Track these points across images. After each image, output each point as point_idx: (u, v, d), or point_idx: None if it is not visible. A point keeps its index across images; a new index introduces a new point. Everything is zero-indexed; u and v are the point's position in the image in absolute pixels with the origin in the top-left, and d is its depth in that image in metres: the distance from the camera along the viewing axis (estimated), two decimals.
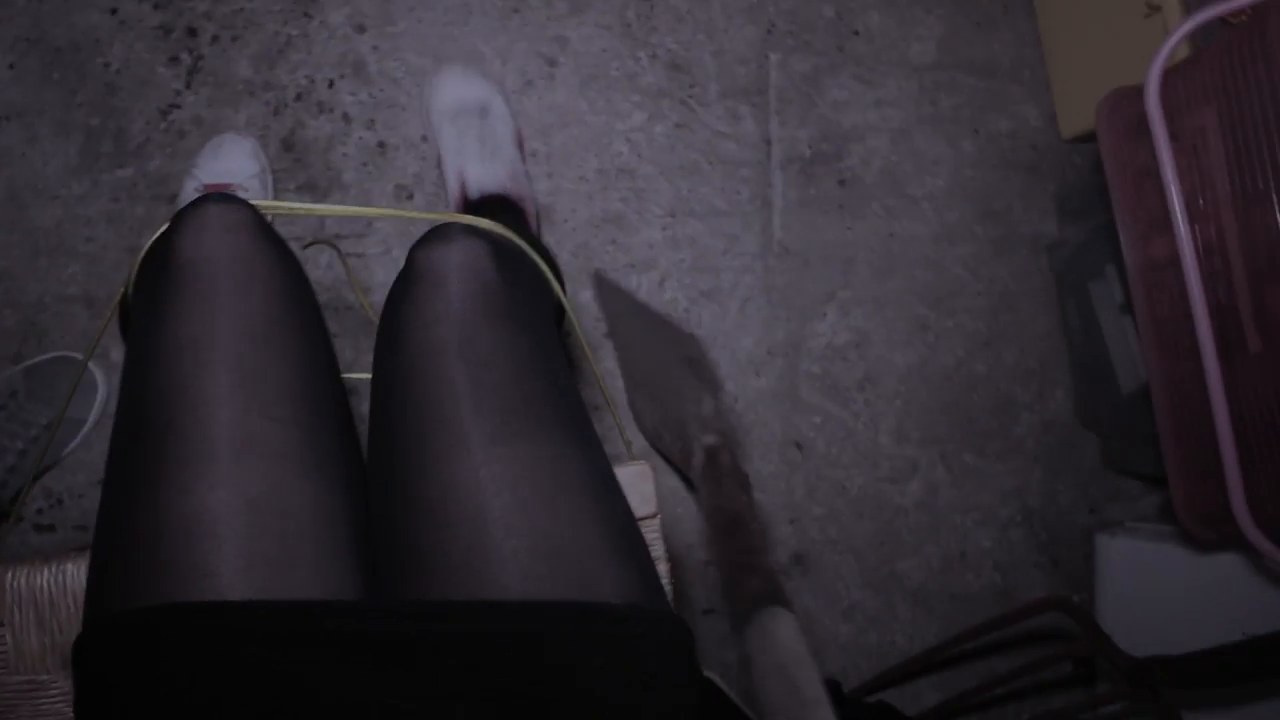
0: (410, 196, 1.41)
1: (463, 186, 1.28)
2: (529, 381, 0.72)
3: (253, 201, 0.74)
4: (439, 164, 1.36)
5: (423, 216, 0.82)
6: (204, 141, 1.33)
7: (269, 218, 0.80)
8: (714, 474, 0.84)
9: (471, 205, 1.27)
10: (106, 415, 1.32)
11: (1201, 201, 1.18)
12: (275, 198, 1.34)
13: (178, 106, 1.36)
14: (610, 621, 0.63)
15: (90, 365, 1.30)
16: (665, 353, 1.10)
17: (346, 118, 1.41)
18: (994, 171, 1.61)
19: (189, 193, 1.27)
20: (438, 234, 0.76)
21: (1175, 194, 1.16)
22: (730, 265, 1.50)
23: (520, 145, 1.39)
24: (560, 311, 0.91)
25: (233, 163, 1.28)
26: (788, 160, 1.53)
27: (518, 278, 0.78)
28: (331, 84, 1.41)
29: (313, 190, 1.38)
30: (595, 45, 1.48)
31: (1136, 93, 1.20)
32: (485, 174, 1.29)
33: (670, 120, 1.49)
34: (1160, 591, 1.44)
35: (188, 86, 1.37)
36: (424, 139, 1.41)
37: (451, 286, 0.73)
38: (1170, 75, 1.19)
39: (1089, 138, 1.60)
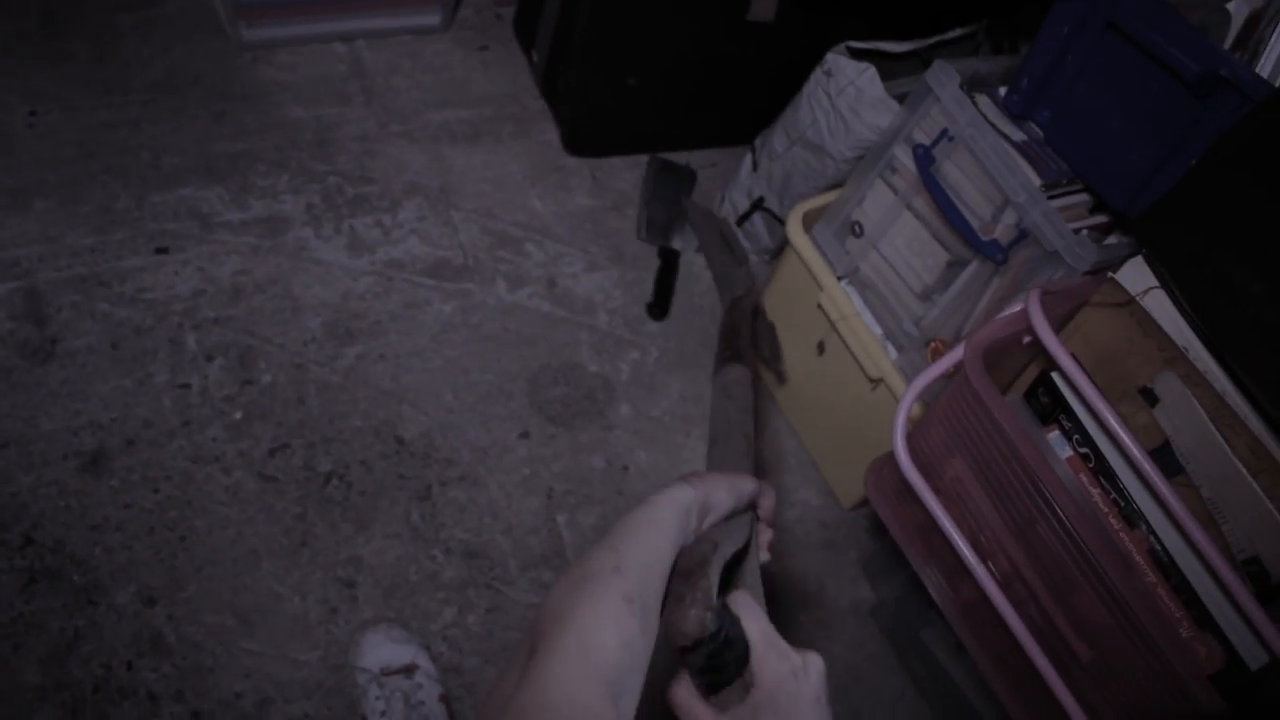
0: None
1: None
2: None
3: None
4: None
5: None
6: None
7: None
8: (733, 307, 1.14)
9: None
10: None
11: (984, 539, 1.27)
12: None
13: None
14: None
15: None
16: (715, 236, 1.40)
17: (152, 696, 1.35)
18: (797, 558, 1.68)
19: None
20: None
21: (960, 541, 1.24)
22: None
23: (447, 702, 1.38)
24: None
25: None
26: None
27: None
28: (130, 665, 1.36)
29: None
30: (389, 556, 1.50)
31: (892, 459, 1.31)
32: None
33: (481, 608, 1.50)
34: None
35: None
36: (238, 696, 1.36)
37: None
38: (914, 436, 1.31)
39: (869, 502, 1.71)
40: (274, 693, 1.37)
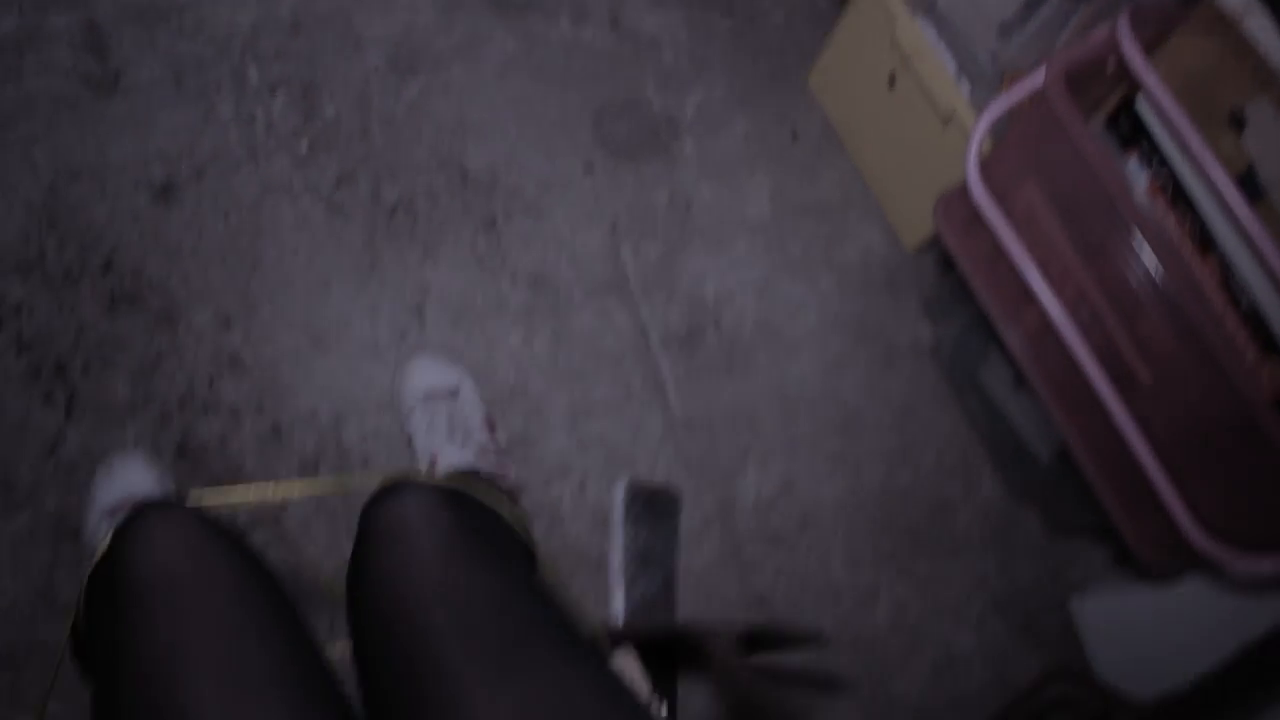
0: (315, 469, 1.40)
1: (433, 467, 1.31)
2: (515, 612, 0.70)
3: (191, 501, 0.73)
4: (410, 444, 1.39)
5: (373, 479, 0.81)
6: (95, 469, 1.30)
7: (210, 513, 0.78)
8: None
9: None
10: None
11: (1052, 266, 1.26)
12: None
13: (62, 442, 1.34)
14: None
15: None
16: None
17: (234, 410, 1.41)
18: (858, 297, 1.69)
19: (93, 523, 1.23)
20: (387, 491, 0.75)
21: (1029, 267, 1.23)
22: (642, 452, 1.52)
23: (491, 427, 1.41)
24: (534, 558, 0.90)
25: (129, 480, 1.26)
26: (666, 340, 1.58)
27: (482, 524, 0.77)
28: (211, 382, 1.42)
29: (218, 486, 1.36)
30: (456, 283, 1.53)
31: (962, 191, 1.29)
32: (456, 454, 1.32)
33: (546, 332, 1.53)
34: (1146, 633, 1.45)
35: (68, 420, 1.36)
36: (315, 411, 1.42)
37: (413, 538, 0.72)
38: (986, 165, 1.28)
39: (933, 243, 1.70)
40: (349, 408, 1.43)
